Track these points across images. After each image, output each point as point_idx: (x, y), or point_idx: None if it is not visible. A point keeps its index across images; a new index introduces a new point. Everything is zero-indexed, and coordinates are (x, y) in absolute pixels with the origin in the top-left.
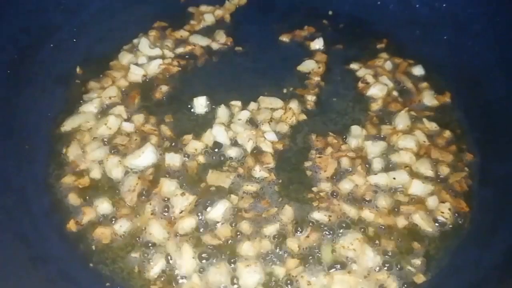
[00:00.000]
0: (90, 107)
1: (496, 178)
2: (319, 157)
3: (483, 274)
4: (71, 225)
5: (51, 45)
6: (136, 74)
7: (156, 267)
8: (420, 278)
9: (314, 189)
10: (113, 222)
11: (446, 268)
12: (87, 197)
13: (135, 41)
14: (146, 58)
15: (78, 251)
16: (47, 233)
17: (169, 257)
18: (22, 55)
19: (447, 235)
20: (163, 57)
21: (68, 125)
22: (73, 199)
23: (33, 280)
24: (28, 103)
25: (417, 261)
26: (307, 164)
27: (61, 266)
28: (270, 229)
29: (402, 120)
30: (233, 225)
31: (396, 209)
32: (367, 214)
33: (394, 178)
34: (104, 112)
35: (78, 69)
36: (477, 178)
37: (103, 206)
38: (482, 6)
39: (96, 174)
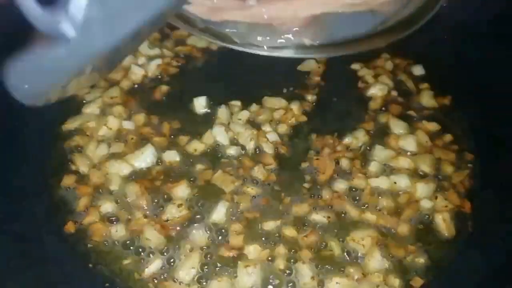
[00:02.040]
0: (91, 108)
1: (497, 179)
2: (317, 159)
3: (484, 276)
4: (70, 226)
5: None
6: (136, 74)
7: (153, 269)
8: (418, 282)
9: (314, 189)
10: (112, 223)
11: (446, 270)
12: (88, 199)
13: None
14: (146, 58)
15: (78, 251)
16: (47, 233)
17: (169, 260)
18: None
19: (448, 236)
20: (162, 56)
21: (69, 126)
22: (73, 200)
23: (32, 281)
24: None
25: (420, 262)
26: (306, 165)
27: (60, 266)
28: (271, 225)
29: (398, 126)
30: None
31: (399, 211)
32: (369, 216)
33: (395, 183)
34: (104, 112)
35: None
36: (478, 179)
37: (105, 206)
38: (483, 6)
39: (97, 175)
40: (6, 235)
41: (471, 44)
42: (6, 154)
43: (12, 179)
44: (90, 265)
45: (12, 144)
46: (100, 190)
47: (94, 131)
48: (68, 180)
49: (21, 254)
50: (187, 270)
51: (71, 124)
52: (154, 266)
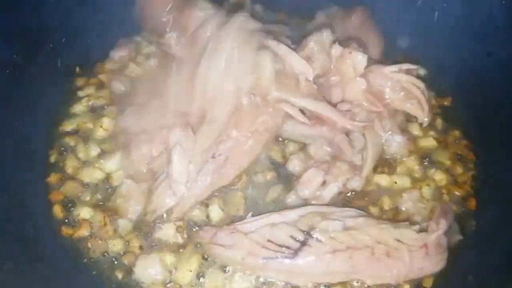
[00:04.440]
0: (89, 108)
1: (498, 179)
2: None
3: (485, 274)
4: (65, 230)
5: (51, 45)
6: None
7: (152, 272)
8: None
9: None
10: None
11: (448, 268)
12: (86, 199)
13: (133, 40)
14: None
15: (77, 251)
16: (45, 234)
17: (167, 264)
18: (22, 55)
19: (449, 236)
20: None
21: (67, 126)
22: (72, 201)
23: (30, 281)
24: (28, 103)
25: None
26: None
27: (58, 266)
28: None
29: None
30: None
31: (398, 210)
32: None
33: (396, 182)
34: (101, 112)
35: (77, 69)
36: (479, 179)
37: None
38: (483, 7)
39: (96, 176)
40: (6, 235)
41: (471, 44)
42: (5, 154)
43: (10, 179)
44: (89, 268)
45: (11, 144)
46: (100, 191)
47: (93, 132)
48: (67, 182)
49: (19, 254)
50: (186, 272)
51: (70, 125)
52: (155, 268)
